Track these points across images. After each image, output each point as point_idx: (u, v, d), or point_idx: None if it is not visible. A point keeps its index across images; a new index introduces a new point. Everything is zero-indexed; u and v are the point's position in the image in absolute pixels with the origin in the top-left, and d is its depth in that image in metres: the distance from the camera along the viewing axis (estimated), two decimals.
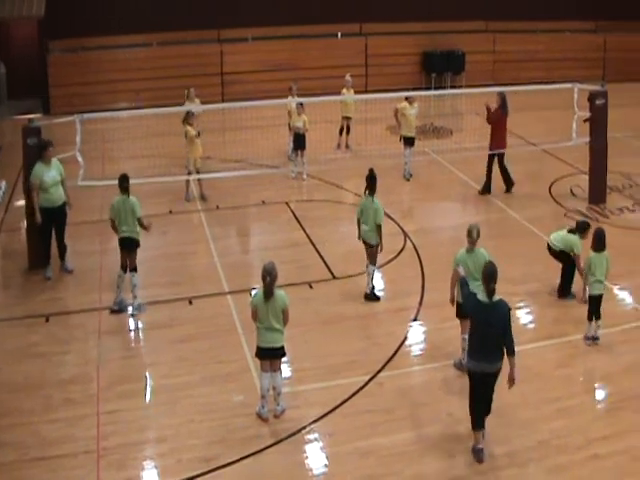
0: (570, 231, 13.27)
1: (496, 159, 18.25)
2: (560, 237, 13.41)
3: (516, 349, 9.34)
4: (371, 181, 13.32)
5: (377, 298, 13.62)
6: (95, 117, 16.89)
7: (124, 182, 12.91)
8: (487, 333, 9.24)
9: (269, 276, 9.93)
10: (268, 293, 9.98)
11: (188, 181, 17.99)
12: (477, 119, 21.04)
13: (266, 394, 10.28)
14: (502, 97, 18.23)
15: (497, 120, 18.11)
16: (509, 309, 9.39)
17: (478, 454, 9.58)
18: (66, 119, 15.52)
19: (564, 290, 13.57)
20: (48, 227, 14.16)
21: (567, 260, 13.35)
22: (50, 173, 13.96)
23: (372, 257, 13.48)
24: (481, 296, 9.36)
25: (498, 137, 18.15)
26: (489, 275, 9.27)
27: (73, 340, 12.30)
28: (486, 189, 18.43)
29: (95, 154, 19.65)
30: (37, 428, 10.14)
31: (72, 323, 12.78)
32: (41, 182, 13.86)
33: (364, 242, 13.51)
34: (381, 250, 13.49)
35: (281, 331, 10.12)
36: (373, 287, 13.64)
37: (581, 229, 13.13)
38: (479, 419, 9.59)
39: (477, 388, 9.55)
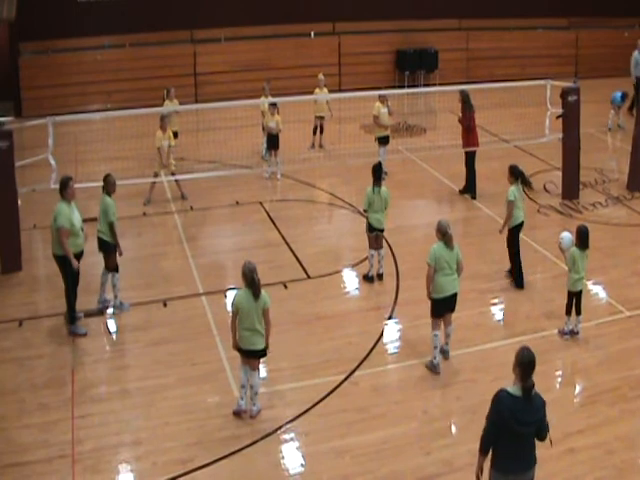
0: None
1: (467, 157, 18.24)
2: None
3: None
4: (376, 173, 13.72)
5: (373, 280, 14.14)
6: (67, 120, 16.77)
7: (103, 181, 12.85)
8: (522, 434, 7.43)
9: (256, 275, 9.91)
10: (258, 292, 9.94)
11: (152, 183, 17.77)
12: (451, 117, 21.07)
13: (245, 384, 10.28)
14: (464, 95, 18.06)
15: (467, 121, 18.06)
16: (544, 401, 7.58)
17: None
18: (38, 122, 15.44)
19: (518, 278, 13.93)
20: (78, 275, 12.46)
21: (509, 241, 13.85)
22: (76, 214, 12.30)
23: (381, 241, 14.09)
24: (512, 389, 7.41)
25: (467, 135, 18.15)
26: (529, 365, 7.35)
27: (47, 344, 12.19)
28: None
29: (68, 157, 19.51)
30: (10, 434, 10.05)
31: (46, 327, 12.65)
32: (71, 225, 12.14)
33: (374, 229, 13.83)
34: None
35: (262, 333, 10.08)
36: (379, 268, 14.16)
37: (512, 174, 13.71)
38: None
39: None
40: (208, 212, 17.66)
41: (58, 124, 15.51)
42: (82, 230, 12.42)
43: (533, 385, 7.33)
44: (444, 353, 11.56)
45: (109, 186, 12.87)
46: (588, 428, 10.18)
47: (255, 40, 27.96)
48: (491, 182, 18.63)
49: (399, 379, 11.39)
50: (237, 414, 10.33)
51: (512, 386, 7.40)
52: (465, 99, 17.92)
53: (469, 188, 18.18)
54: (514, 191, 13.52)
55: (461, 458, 9.60)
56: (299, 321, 12.83)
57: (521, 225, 13.78)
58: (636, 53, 24.88)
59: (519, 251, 13.85)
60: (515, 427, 7.32)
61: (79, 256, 12.38)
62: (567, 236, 12.26)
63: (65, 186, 12.23)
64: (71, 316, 12.49)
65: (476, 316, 12.93)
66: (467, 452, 9.63)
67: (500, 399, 7.38)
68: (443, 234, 11.08)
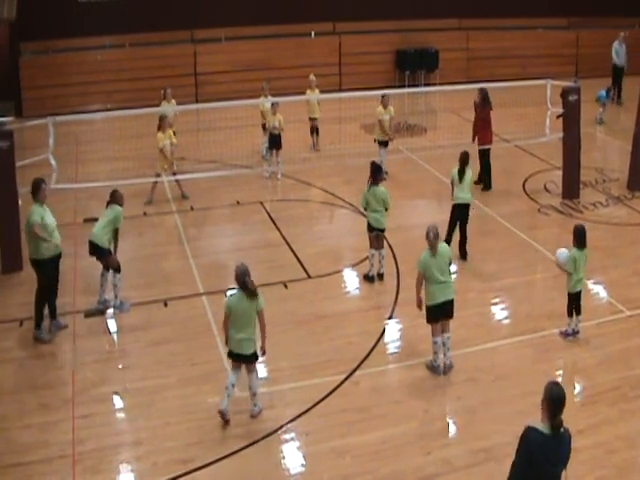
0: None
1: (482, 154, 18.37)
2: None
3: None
4: (371, 172, 13.78)
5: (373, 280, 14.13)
6: (68, 120, 16.74)
7: (112, 195, 13.03)
8: (553, 475, 6.83)
9: (248, 277, 9.92)
10: (251, 294, 9.94)
11: (154, 183, 17.78)
12: (451, 117, 21.08)
13: (229, 386, 10.18)
14: (484, 93, 18.34)
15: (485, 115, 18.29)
16: (570, 435, 6.93)
17: None
18: (38, 122, 15.41)
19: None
20: (54, 280, 12.51)
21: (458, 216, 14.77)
22: (49, 216, 12.25)
23: (382, 241, 14.13)
24: (541, 427, 6.73)
25: (485, 132, 18.32)
26: (558, 402, 6.70)
27: (47, 344, 12.18)
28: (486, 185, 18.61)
29: (68, 157, 19.51)
30: (11, 434, 10.06)
31: (46, 327, 12.53)
32: (43, 226, 12.07)
33: (374, 229, 13.87)
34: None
35: (252, 338, 10.07)
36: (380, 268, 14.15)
37: (459, 158, 14.69)
38: None
39: None
40: (209, 212, 17.66)
41: (58, 124, 15.48)
42: (56, 231, 12.37)
43: (562, 422, 6.71)
44: (445, 368, 11.38)
45: (119, 199, 13.03)
46: (588, 428, 10.15)
47: (255, 40, 27.94)
48: (492, 181, 18.62)
49: (399, 379, 11.38)
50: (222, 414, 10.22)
51: (540, 423, 6.75)
52: (485, 96, 18.28)
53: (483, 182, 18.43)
54: (455, 172, 14.63)
55: (461, 458, 9.60)
56: (299, 321, 12.82)
57: (462, 207, 14.64)
58: (616, 43, 26.35)
59: (453, 228, 14.73)
60: (547, 468, 6.71)
61: (57, 258, 12.45)
62: (563, 252, 12.18)
63: (37, 188, 12.22)
64: (37, 320, 12.37)
65: (476, 316, 12.92)
66: (467, 452, 9.64)
67: (530, 438, 6.70)
68: (425, 237, 11.07)
